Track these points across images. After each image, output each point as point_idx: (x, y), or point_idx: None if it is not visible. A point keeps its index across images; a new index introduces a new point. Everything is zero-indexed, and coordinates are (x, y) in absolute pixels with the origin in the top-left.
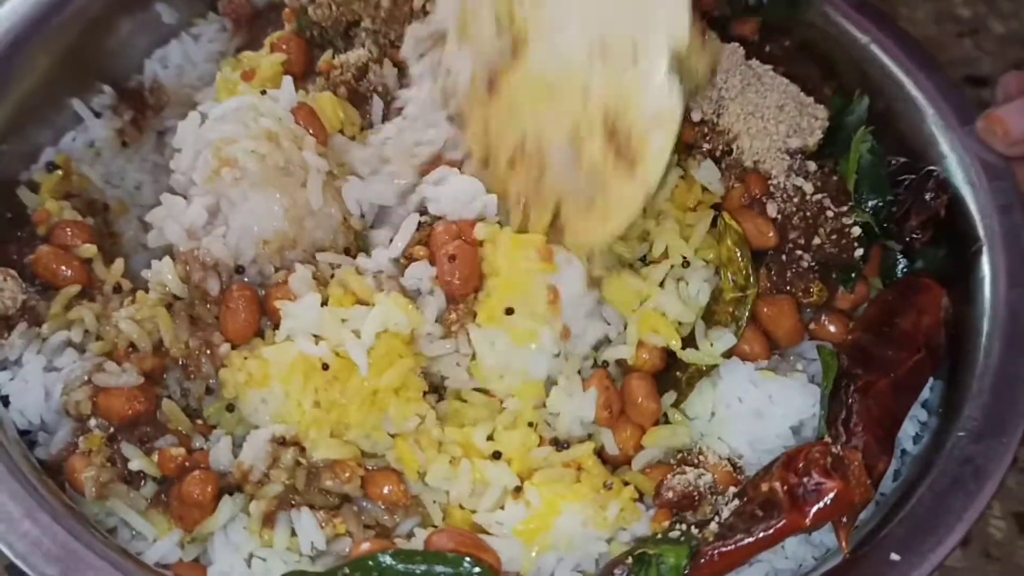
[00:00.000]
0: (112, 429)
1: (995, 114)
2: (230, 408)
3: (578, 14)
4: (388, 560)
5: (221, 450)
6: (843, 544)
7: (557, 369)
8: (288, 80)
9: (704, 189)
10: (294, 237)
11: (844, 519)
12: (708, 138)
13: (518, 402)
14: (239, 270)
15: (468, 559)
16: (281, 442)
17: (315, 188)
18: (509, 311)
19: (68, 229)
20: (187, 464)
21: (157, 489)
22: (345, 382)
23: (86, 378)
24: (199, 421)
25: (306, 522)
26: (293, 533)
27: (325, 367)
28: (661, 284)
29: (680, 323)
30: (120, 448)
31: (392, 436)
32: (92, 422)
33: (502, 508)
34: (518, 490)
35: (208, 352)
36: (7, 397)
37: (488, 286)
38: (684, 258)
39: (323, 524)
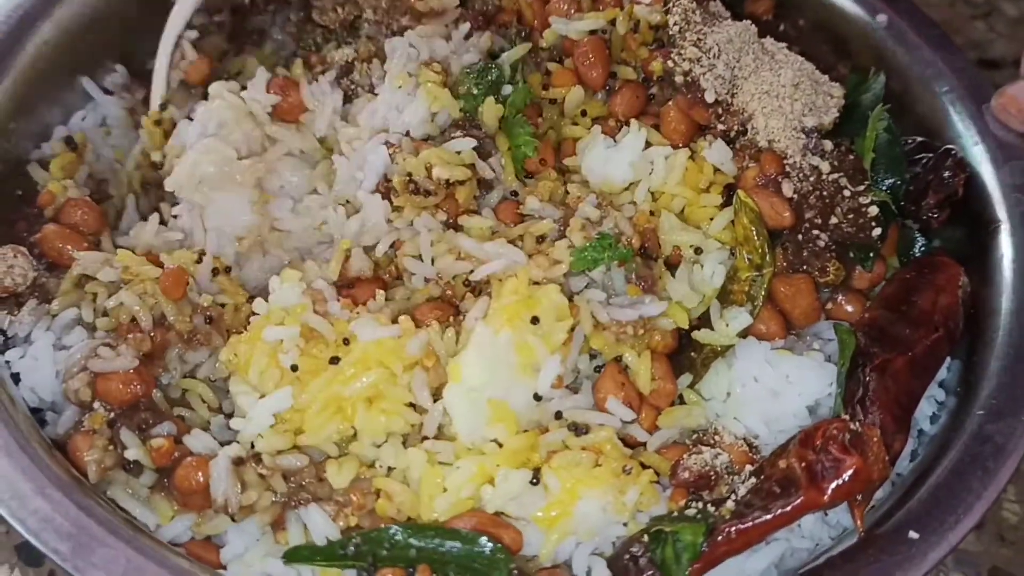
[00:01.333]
0: (113, 414)
1: (1009, 92)
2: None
3: None
4: (399, 534)
5: (199, 440)
6: (858, 523)
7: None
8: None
9: (716, 170)
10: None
11: (859, 497)
12: (722, 119)
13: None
14: (227, 270)
15: (484, 537)
16: (239, 462)
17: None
18: (535, 320)
19: (79, 210)
20: (176, 453)
21: (157, 476)
22: (306, 384)
23: (83, 364)
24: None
25: (316, 517)
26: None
27: (294, 368)
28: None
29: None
30: (120, 434)
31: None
32: (96, 404)
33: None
34: (536, 478)
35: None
36: (18, 374)
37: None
38: (695, 248)
39: (334, 516)
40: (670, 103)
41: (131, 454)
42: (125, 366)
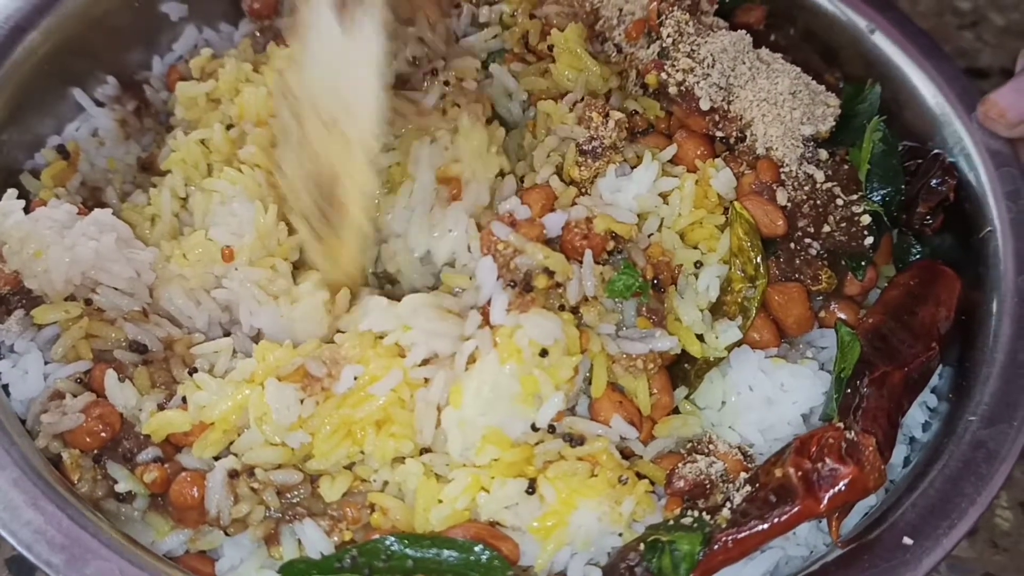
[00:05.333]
0: (95, 452)
1: (991, 98)
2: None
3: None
4: (395, 545)
5: (190, 458)
6: (834, 534)
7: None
8: None
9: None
10: None
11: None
12: (720, 125)
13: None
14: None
15: (479, 545)
16: (233, 475)
17: None
18: (543, 353)
19: None
20: (168, 476)
21: (151, 498)
22: (320, 406)
23: (39, 420)
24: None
25: (311, 533)
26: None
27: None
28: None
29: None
30: (107, 468)
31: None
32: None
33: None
34: (532, 488)
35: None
36: (7, 385)
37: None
38: (697, 262)
39: (329, 531)
40: (681, 130)
41: (121, 487)
42: (74, 423)
